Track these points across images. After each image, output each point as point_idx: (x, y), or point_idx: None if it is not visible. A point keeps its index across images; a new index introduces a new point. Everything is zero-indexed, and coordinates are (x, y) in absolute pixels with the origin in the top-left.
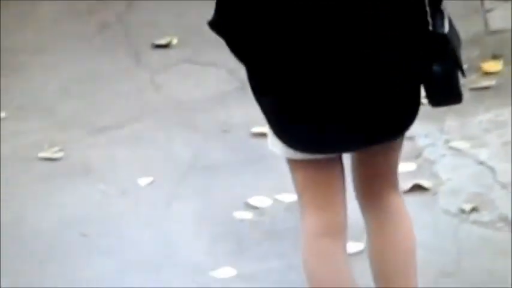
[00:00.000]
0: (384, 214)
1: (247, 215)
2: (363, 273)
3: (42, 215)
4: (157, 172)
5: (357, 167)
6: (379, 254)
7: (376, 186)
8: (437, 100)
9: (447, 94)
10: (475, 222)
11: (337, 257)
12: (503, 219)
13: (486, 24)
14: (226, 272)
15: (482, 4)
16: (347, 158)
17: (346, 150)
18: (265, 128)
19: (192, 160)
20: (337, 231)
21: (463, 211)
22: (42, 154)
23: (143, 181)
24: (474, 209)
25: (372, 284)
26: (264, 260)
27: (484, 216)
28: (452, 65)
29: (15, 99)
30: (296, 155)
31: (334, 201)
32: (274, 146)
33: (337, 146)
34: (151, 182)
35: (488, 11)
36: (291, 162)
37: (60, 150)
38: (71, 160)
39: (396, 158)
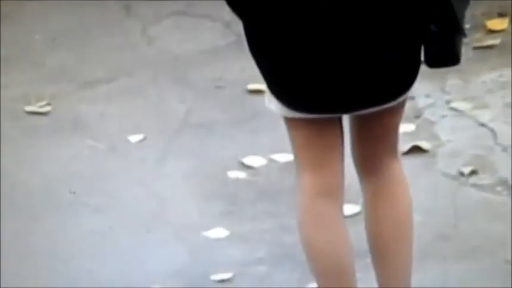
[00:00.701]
0: (381, 180)
1: (241, 174)
2: (359, 236)
3: (30, 172)
4: (149, 129)
5: (355, 131)
6: (375, 220)
7: (374, 150)
8: (433, 61)
9: (444, 55)
10: (474, 185)
11: (333, 218)
12: (502, 182)
13: None
14: (219, 232)
15: None
16: (346, 120)
17: (344, 111)
18: (262, 85)
19: (185, 117)
20: (334, 192)
21: (462, 174)
22: (29, 108)
23: (134, 138)
24: (473, 172)
25: (368, 248)
26: (257, 220)
27: (484, 179)
28: (450, 25)
29: (0, 49)
30: (293, 113)
31: (331, 162)
32: (271, 103)
33: (334, 107)
34: (143, 139)
35: None
36: (288, 120)
37: (48, 104)
38: (59, 115)
39: (396, 122)
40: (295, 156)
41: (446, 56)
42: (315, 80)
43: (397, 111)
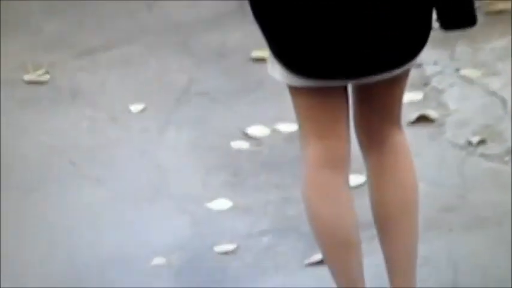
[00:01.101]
0: (384, 151)
1: (244, 145)
2: (364, 207)
3: (29, 142)
4: (150, 98)
5: (358, 101)
6: (379, 192)
7: (377, 121)
8: (448, 23)
9: (460, 16)
10: (482, 155)
11: (339, 189)
12: (511, 152)
13: None
14: (222, 203)
15: None
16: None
17: (349, 77)
18: (265, 53)
19: (187, 86)
20: (340, 163)
21: (470, 143)
22: (27, 77)
23: (135, 108)
24: (482, 142)
25: (372, 219)
26: (261, 192)
27: (492, 149)
28: None
29: None
30: (297, 81)
31: (337, 132)
32: (274, 71)
33: (338, 72)
34: (144, 109)
35: None
36: (292, 89)
37: (46, 73)
38: (57, 84)
39: (400, 92)
40: (300, 126)
41: (462, 16)
42: (318, 42)
43: (402, 80)
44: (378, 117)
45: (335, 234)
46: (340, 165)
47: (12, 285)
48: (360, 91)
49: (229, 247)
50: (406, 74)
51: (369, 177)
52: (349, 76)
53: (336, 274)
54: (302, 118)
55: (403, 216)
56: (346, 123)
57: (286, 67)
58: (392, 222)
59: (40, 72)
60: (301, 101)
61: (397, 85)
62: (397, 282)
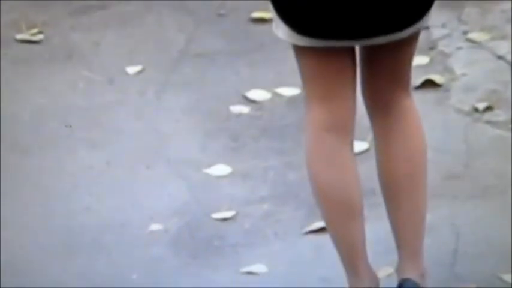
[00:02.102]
0: (392, 117)
1: (244, 109)
2: (367, 174)
3: (22, 104)
4: (147, 59)
5: (366, 64)
6: (387, 159)
7: (385, 85)
8: None
9: None
10: (488, 122)
11: (342, 155)
12: None
13: None
14: (221, 169)
15: None
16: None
17: (354, 38)
18: (267, 13)
19: (185, 47)
20: (344, 127)
21: (476, 110)
22: (20, 36)
23: (131, 69)
24: (488, 108)
25: (376, 186)
26: (261, 157)
27: (499, 115)
28: None
29: None
30: (301, 40)
31: (342, 95)
32: (278, 29)
33: (344, 33)
34: (141, 70)
35: None
36: (297, 49)
37: (40, 32)
38: (51, 43)
39: (410, 55)
40: (304, 88)
41: None
42: (323, 2)
43: (411, 43)
44: (386, 81)
45: (337, 200)
46: (343, 129)
47: (7, 250)
48: (367, 53)
49: (228, 214)
50: (415, 37)
51: (376, 142)
52: (354, 37)
53: (336, 240)
54: (306, 79)
55: (411, 182)
56: (352, 87)
57: (290, 27)
58: (400, 188)
59: (34, 31)
60: (305, 61)
61: (406, 48)
62: (404, 250)
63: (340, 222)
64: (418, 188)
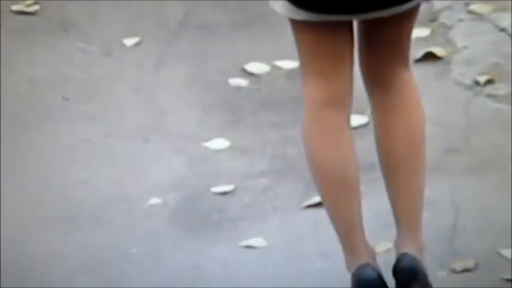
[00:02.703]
0: (391, 92)
1: (243, 82)
2: (365, 149)
3: (18, 76)
4: (145, 31)
5: (364, 37)
6: (386, 134)
7: (384, 59)
8: None
9: None
10: (489, 95)
11: (339, 130)
12: None
13: None
14: (219, 143)
15: None
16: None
17: (355, 12)
18: None
19: (184, 19)
20: (341, 102)
21: (477, 83)
22: (15, 7)
23: (129, 41)
24: (489, 81)
25: (375, 161)
26: (259, 131)
27: (500, 89)
28: None
29: None
30: (298, 14)
31: (339, 70)
32: (276, 3)
33: (343, 6)
34: (139, 43)
35: None
36: (294, 23)
37: (35, 3)
38: (47, 14)
39: (409, 28)
40: (301, 63)
41: None
42: None
43: (412, 15)
44: (385, 55)
45: (334, 176)
46: (340, 104)
47: (6, 223)
48: (366, 28)
49: (227, 188)
50: (415, 10)
51: (374, 117)
52: (354, 11)
53: (333, 216)
54: (303, 54)
55: (410, 156)
56: (349, 62)
57: (290, 1)
58: (398, 163)
59: (29, 2)
60: (302, 37)
61: (405, 22)
62: (402, 224)
63: (336, 198)
64: (417, 162)
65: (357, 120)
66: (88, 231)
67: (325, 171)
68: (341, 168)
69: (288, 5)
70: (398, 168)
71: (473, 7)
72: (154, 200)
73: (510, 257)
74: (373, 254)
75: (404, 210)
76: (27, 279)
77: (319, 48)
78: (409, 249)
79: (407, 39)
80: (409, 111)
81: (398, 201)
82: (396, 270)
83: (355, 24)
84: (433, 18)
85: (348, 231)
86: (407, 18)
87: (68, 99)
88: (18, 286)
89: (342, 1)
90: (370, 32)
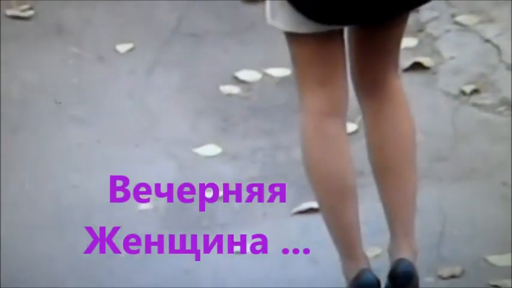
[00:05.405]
0: (382, 99)
1: (235, 89)
2: (355, 155)
3: (11, 80)
4: (138, 38)
5: (355, 45)
6: (377, 141)
7: (375, 66)
8: None
9: None
10: (475, 104)
11: (339, 137)
12: (504, 102)
13: None
14: (210, 149)
15: None
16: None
17: (356, 21)
18: None
19: (176, 26)
20: (339, 110)
21: (463, 93)
22: (10, 12)
23: (122, 47)
24: (475, 91)
25: (364, 168)
26: (250, 138)
27: (485, 98)
28: None
29: None
30: (302, 28)
31: (336, 79)
32: (276, 19)
33: (347, 15)
34: (131, 49)
35: None
36: (294, 37)
37: (30, 8)
38: (42, 20)
39: (399, 36)
40: (298, 75)
41: None
42: None
43: (401, 24)
44: (375, 63)
45: (334, 182)
46: (338, 112)
47: None
48: (357, 34)
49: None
50: (405, 19)
51: (365, 124)
52: (358, 20)
53: (332, 223)
54: (301, 65)
55: (402, 163)
56: (344, 70)
57: (300, 11)
58: (391, 168)
59: (24, 7)
60: (301, 49)
61: (396, 29)
62: (398, 229)
63: (336, 205)
64: (409, 167)
65: (347, 127)
66: (78, 235)
67: (323, 176)
68: (341, 174)
69: (292, 19)
70: (392, 173)
71: (460, 18)
72: (144, 205)
73: (496, 263)
74: (368, 260)
75: (399, 215)
76: (16, 280)
77: (317, 57)
78: (406, 254)
79: (398, 45)
80: (399, 117)
81: (393, 206)
82: (393, 276)
83: (345, 31)
84: (420, 29)
85: (347, 237)
86: (399, 25)
87: (60, 103)
88: (7, 287)
89: (355, 11)
90: (362, 38)
